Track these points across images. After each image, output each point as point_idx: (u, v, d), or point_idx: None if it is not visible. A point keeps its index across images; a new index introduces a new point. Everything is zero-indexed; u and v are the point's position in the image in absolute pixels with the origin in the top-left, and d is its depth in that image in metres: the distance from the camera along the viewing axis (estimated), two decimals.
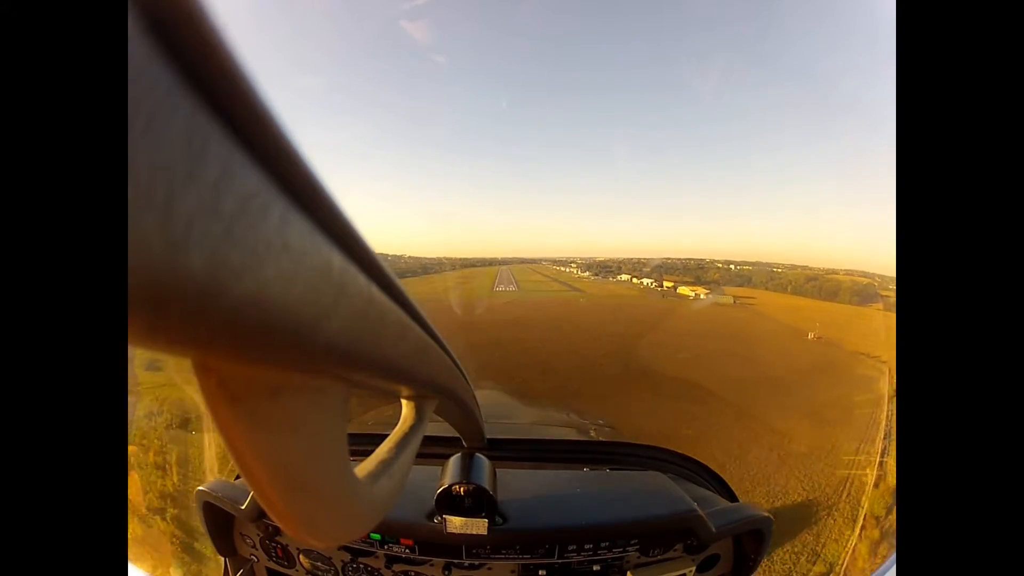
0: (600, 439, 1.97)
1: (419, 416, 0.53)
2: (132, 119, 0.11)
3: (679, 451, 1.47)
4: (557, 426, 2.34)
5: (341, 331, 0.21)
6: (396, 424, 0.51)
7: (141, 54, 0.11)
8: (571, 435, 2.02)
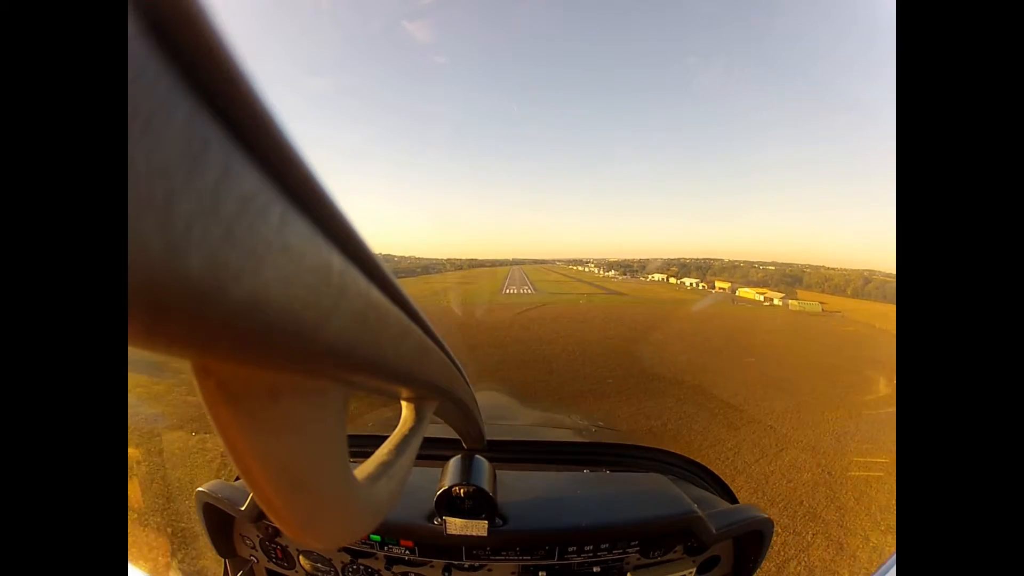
0: (600, 440, 1.96)
1: (419, 418, 0.53)
2: (132, 119, 0.11)
3: (680, 453, 1.47)
4: (557, 428, 2.34)
5: (341, 333, 0.21)
6: (396, 426, 0.51)
7: (141, 54, 0.11)
8: (571, 437, 2.02)
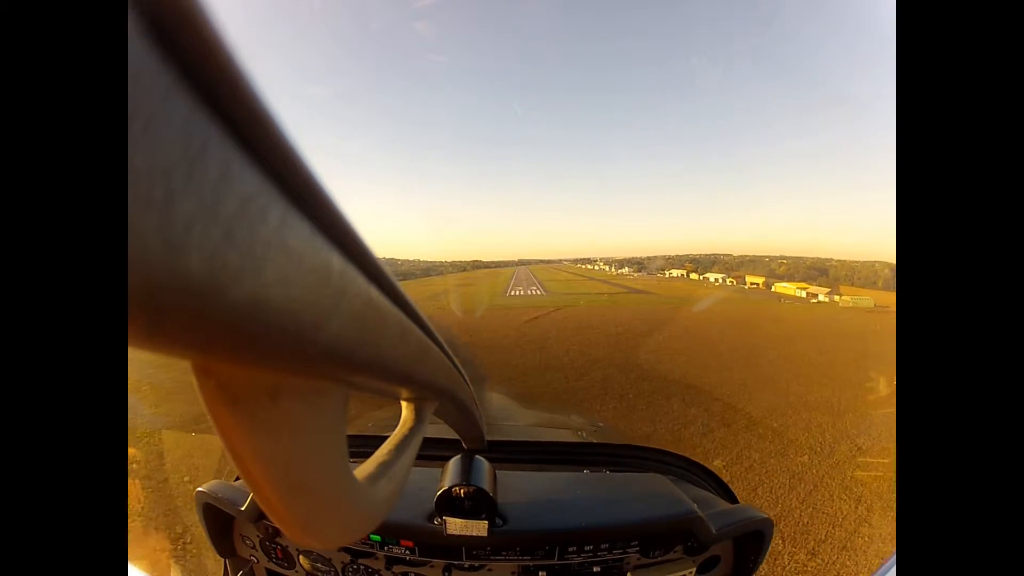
0: (600, 441, 1.96)
1: (419, 418, 0.53)
2: (132, 119, 0.11)
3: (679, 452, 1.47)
4: (557, 428, 2.34)
5: (341, 334, 0.21)
6: (396, 426, 0.51)
7: (141, 54, 0.11)
8: (571, 437, 2.02)
